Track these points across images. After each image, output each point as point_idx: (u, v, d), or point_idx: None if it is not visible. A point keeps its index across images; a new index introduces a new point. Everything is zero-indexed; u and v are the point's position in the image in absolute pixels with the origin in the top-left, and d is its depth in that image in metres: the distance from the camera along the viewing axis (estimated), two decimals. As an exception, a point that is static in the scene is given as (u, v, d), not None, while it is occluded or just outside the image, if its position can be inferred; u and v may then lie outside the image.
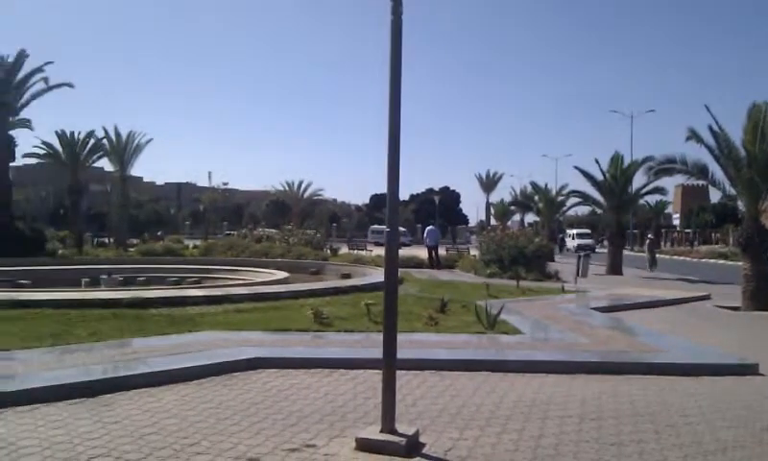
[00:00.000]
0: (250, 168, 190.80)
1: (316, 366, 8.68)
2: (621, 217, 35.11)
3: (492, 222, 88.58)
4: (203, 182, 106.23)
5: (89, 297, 14.23)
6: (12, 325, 10.88)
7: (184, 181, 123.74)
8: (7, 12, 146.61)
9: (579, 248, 48.28)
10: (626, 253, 37.33)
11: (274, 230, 45.81)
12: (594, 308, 15.95)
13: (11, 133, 35.62)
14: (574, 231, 66.33)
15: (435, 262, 30.67)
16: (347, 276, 22.92)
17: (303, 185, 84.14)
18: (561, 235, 64.74)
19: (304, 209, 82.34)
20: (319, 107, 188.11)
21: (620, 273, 31.07)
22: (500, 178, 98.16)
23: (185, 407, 6.71)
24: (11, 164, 37.15)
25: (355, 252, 40.44)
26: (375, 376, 7.35)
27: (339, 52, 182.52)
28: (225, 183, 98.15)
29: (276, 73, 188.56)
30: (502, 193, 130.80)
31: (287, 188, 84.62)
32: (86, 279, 20.91)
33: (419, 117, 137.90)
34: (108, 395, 6.99)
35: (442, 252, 34.29)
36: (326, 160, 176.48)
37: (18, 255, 27.70)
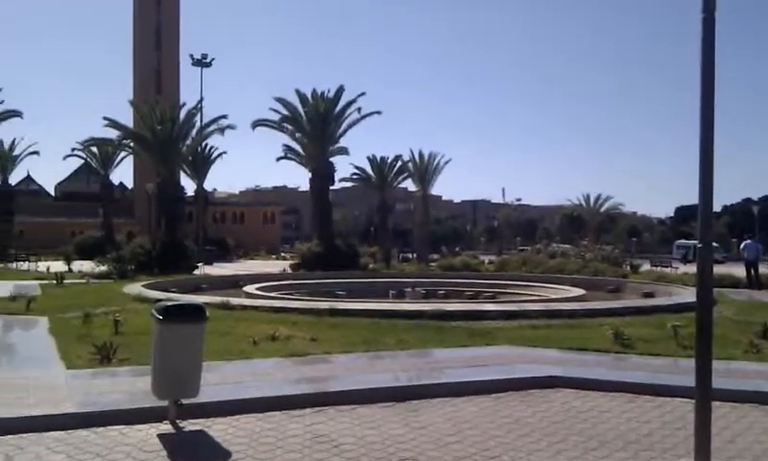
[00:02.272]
0: (543, 183, 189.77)
1: (617, 390, 8.24)
2: None
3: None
4: (496, 199, 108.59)
5: (396, 308, 15.40)
6: (333, 331, 12.22)
7: (479, 198, 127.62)
8: (328, 55, 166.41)
9: None
10: None
11: (568, 246, 44.88)
12: None
13: (331, 159, 40.25)
14: None
15: (755, 282, 27.17)
16: (649, 294, 21.46)
17: (600, 199, 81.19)
18: None
19: (601, 224, 79.31)
20: (614, 114, 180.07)
21: None
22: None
23: (485, 419, 6.87)
24: (330, 188, 41.90)
25: (658, 268, 37.68)
26: (685, 406, 6.76)
27: (635, 56, 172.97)
28: (518, 199, 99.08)
29: (568, 87, 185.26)
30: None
31: (582, 202, 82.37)
32: (393, 292, 22.65)
33: (732, 118, 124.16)
34: (415, 401, 7.47)
35: (764, 270, 30.26)
36: (625, 171, 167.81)
37: (337, 269, 31.26)
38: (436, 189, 62.38)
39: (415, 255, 55.04)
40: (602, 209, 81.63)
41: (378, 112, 41.50)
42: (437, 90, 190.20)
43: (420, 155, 53.61)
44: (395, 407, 7.24)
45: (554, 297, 20.36)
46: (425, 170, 53.76)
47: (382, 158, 51.64)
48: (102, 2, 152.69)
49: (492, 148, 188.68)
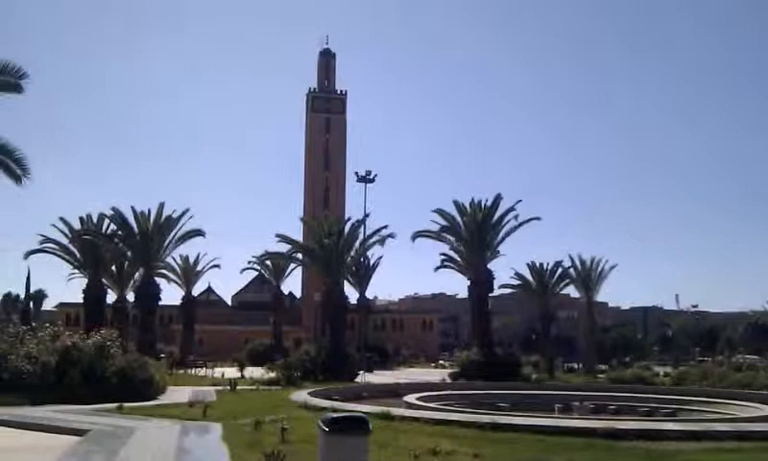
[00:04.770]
0: (722, 288, 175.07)
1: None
2: None
3: None
4: (669, 306, 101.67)
5: (564, 424, 14.55)
6: (496, 447, 11.74)
7: (650, 304, 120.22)
8: (485, 163, 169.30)
9: None
10: None
11: (755, 358, 40.67)
12: None
13: (489, 267, 40.10)
14: None
15: None
16: None
17: (790, 305, 73.63)
18: None
19: (793, 333, 71.35)
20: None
21: None
22: None
23: None
24: (489, 295, 41.51)
25: None
26: None
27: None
28: (694, 306, 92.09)
29: (748, 185, 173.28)
30: None
31: (769, 309, 75.06)
32: (559, 405, 21.52)
33: None
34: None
35: None
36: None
37: (497, 378, 30.43)
38: (601, 296, 59.61)
39: (581, 366, 52.43)
40: (793, 316, 73.76)
41: (537, 219, 41.11)
42: (600, 194, 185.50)
43: (582, 260, 52.07)
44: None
45: (743, 415, 18.32)
46: (589, 276, 51.95)
47: (542, 265, 50.70)
48: (277, 128, 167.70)
49: (662, 252, 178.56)
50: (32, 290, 75.12)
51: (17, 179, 9.34)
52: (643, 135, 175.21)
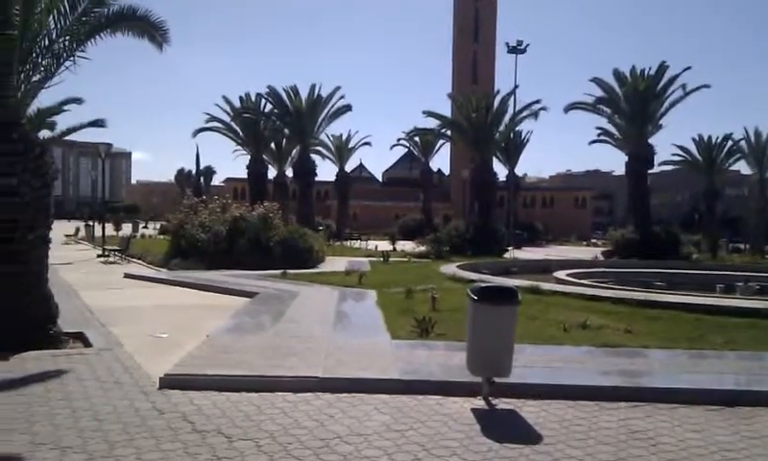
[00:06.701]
0: None
1: None
2: None
3: None
4: None
5: (725, 304, 13.86)
6: (650, 324, 11.48)
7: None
8: (648, 32, 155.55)
9: None
10: None
11: None
12: None
13: (650, 141, 37.73)
14: None
15: None
16: None
17: None
18: None
19: None
20: None
21: None
22: None
23: (838, 441, 5.86)
24: (649, 172, 39.33)
25: None
26: None
27: None
28: None
29: None
30: None
31: None
32: (721, 286, 20.44)
33: None
34: (747, 408, 6.67)
35: None
36: None
37: (653, 258, 29.33)
38: (778, 172, 54.42)
39: (748, 246, 49.10)
40: None
41: (707, 86, 37.66)
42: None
43: (757, 133, 47.49)
44: (722, 412, 6.55)
45: None
46: (763, 151, 47.53)
47: (709, 138, 47.01)
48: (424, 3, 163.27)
49: None
50: (201, 167, 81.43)
51: (159, 45, 10.08)
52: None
